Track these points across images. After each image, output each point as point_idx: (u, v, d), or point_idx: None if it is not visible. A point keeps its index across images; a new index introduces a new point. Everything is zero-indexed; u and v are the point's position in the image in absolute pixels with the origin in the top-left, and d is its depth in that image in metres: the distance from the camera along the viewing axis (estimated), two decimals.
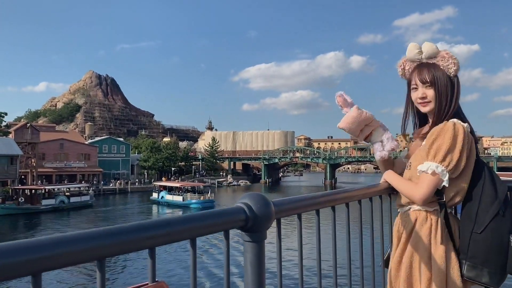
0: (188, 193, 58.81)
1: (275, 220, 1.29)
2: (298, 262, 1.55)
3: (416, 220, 1.98)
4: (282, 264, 1.46)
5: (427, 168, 1.87)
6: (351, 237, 1.82)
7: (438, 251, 1.88)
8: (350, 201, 1.82)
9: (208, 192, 60.99)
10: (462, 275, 1.86)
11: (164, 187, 64.12)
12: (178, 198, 58.18)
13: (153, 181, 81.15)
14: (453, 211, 2.04)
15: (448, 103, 1.99)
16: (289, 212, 1.41)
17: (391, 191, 2.11)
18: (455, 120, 1.94)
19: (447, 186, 1.87)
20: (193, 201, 56.23)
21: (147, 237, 0.91)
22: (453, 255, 1.88)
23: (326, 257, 1.68)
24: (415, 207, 1.99)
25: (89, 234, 0.82)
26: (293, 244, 1.52)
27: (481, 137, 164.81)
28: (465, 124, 1.96)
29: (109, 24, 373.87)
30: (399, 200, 2.09)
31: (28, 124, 71.48)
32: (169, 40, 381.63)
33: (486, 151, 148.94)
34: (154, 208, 57.86)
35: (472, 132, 1.98)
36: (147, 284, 0.98)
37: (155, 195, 63.93)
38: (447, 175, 1.85)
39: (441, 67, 2.02)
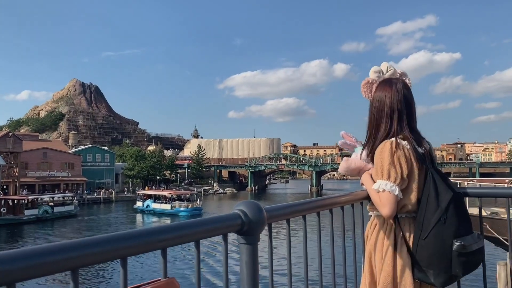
0: (177, 201, 59.37)
1: (267, 224, 1.48)
2: (287, 262, 1.74)
3: (376, 224, 2.25)
4: (273, 264, 1.63)
5: (378, 186, 2.10)
6: (335, 241, 2.00)
7: (389, 253, 2.12)
8: (333, 207, 2.03)
9: (197, 200, 61.52)
10: (413, 276, 2.10)
11: (149, 196, 64.05)
12: (166, 207, 58.47)
13: (137, 190, 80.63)
14: (411, 217, 2.20)
15: (373, 124, 2.29)
16: (279, 217, 1.60)
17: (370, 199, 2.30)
18: (392, 139, 2.16)
19: (401, 197, 2.11)
20: (182, 209, 56.76)
21: (160, 240, 1.10)
22: (405, 258, 2.10)
23: (312, 256, 1.86)
24: (376, 212, 2.25)
25: (116, 235, 0.96)
26: (283, 247, 1.71)
27: (464, 143, 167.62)
28: (404, 142, 2.16)
29: (94, 31, 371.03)
30: (369, 205, 2.33)
31: (11, 133, 70.47)
32: (154, 47, 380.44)
33: (468, 157, 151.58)
34: (139, 217, 57.46)
35: (415, 147, 2.17)
36: (160, 279, 1.16)
37: (139, 203, 63.70)
38: (397, 189, 2.07)
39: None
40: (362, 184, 2.31)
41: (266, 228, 1.48)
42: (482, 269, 2.43)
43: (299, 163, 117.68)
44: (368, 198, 2.26)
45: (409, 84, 2.37)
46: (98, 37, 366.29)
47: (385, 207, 2.07)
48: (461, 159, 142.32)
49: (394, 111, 2.23)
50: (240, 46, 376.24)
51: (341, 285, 2.12)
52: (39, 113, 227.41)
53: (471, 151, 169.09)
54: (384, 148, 2.14)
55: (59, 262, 0.87)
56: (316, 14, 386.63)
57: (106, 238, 0.97)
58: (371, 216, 2.32)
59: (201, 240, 1.25)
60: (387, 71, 2.38)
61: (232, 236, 1.38)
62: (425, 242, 2.04)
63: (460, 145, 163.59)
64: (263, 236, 1.42)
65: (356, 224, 2.30)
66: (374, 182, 2.16)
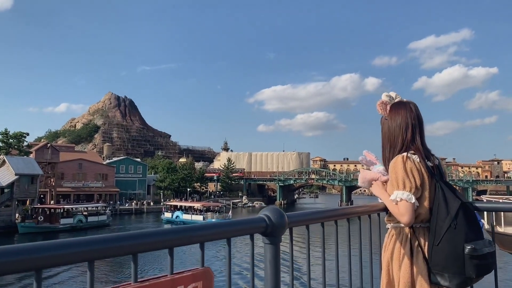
0: (209, 213, 62.08)
1: (288, 228, 1.69)
2: (306, 263, 1.97)
3: (393, 235, 2.45)
4: (294, 264, 1.89)
5: (395, 196, 2.31)
6: (351, 248, 2.20)
7: (406, 261, 2.32)
8: (350, 217, 2.22)
9: (228, 211, 64.69)
10: (430, 281, 2.28)
11: (177, 207, 66.24)
12: (198, 218, 61.14)
13: (163, 201, 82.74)
14: (426, 227, 2.39)
15: (389, 140, 2.54)
16: (299, 223, 1.83)
17: (387, 210, 2.48)
18: (403, 154, 2.41)
19: (417, 205, 2.32)
20: (214, 220, 58.01)
21: (199, 235, 1.33)
22: (422, 264, 2.29)
23: (330, 259, 2.06)
24: (392, 224, 2.48)
25: (125, 235, 1.14)
26: (304, 250, 1.96)
27: (501, 160, 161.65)
28: (414, 156, 2.40)
29: (132, 47, 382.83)
30: (386, 217, 2.54)
31: (49, 144, 73.20)
32: (188, 62, 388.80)
33: (506, 175, 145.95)
34: (169, 227, 58.69)
35: (424, 160, 2.40)
36: (198, 268, 1.35)
37: (167, 214, 65.72)
38: (414, 197, 2.29)
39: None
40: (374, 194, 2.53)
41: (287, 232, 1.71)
42: (494, 276, 2.53)
43: (328, 177, 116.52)
44: (384, 210, 2.45)
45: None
46: (135, 52, 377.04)
47: (404, 216, 2.28)
48: (497, 176, 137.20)
49: (409, 127, 2.49)
50: (272, 61, 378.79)
51: None
52: (75, 125, 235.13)
53: (508, 169, 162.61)
54: (397, 162, 2.39)
55: (81, 254, 1.03)
56: (347, 28, 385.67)
57: (156, 232, 1.21)
58: (388, 228, 2.51)
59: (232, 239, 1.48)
60: (396, 98, 2.66)
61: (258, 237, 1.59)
62: (438, 248, 2.24)
63: (497, 162, 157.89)
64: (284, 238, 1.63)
65: (373, 234, 2.48)
66: (390, 194, 2.37)
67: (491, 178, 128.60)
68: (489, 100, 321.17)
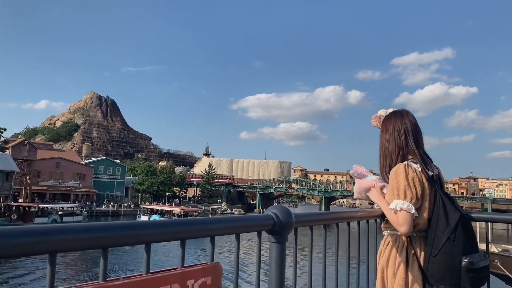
0: (188, 218, 60.58)
1: (294, 229, 1.67)
2: (308, 261, 1.96)
3: (389, 242, 2.44)
4: (298, 264, 1.89)
5: (395, 206, 2.29)
6: (350, 251, 2.21)
7: (401, 269, 2.31)
8: (350, 220, 2.24)
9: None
10: None
11: (155, 211, 65.60)
12: None
13: (141, 204, 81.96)
14: (422, 236, 2.40)
15: (385, 151, 2.54)
16: (304, 223, 1.83)
17: (385, 216, 2.48)
18: (405, 162, 2.40)
19: (417, 215, 2.30)
20: None
21: (209, 229, 1.33)
22: (417, 273, 2.29)
23: (331, 260, 2.06)
24: (388, 231, 2.46)
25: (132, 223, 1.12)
26: (307, 250, 1.96)
27: (477, 178, 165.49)
28: (416, 165, 2.39)
29: (117, 47, 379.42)
30: (383, 224, 2.54)
31: (26, 141, 71.68)
32: (173, 65, 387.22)
33: (481, 192, 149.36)
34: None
35: (425, 169, 2.39)
36: (207, 263, 1.35)
37: (144, 218, 64.74)
38: (413, 208, 2.27)
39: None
40: (370, 203, 2.53)
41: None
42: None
43: (308, 187, 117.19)
44: (382, 216, 2.45)
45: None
46: (121, 53, 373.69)
47: (403, 226, 2.26)
48: (473, 193, 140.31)
49: (401, 132, 2.51)
50: (258, 69, 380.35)
51: None
52: (55, 123, 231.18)
53: (484, 187, 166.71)
54: (399, 170, 2.36)
55: (96, 240, 1.02)
56: (333, 40, 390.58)
57: (169, 222, 1.21)
58: (384, 235, 2.51)
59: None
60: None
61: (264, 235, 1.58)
62: (436, 259, 2.23)
63: (473, 180, 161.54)
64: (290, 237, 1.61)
65: (371, 239, 2.50)
66: (388, 202, 2.36)
67: (467, 195, 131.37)
68: (467, 118, 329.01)
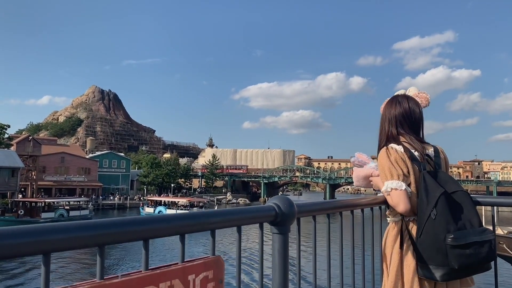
0: (194, 208, 62.25)
1: (296, 219, 1.66)
2: (312, 253, 1.94)
3: (389, 228, 2.45)
4: (302, 253, 1.86)
5: (386, 187, 2.32)
6: (355, 239, 2.19)
7: (395, 254, 2.31)
8: (354, 208, 2.23)
9: (213, 207, 64.73)
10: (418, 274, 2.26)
11: (160, 202, 66.08)
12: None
13: (145, 196, 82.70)
14: (415, 219, 2.37)
15: (379, 136, 2.61)
16: (307, 213, 1.81)
17: (387, 203, 2.48)
18: (387, 145, 2.45)
19: (410, 191, 2.31)
20: None
21: (210, 222, 1.30)
22: (410, 257, 2.27)
23: (335, 251, 2.05)
24: (390, 218, 2.46)
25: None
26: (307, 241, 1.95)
27: (481, 161, 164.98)
28: (398, 147, 2.41)
29: (117, 40, 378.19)
30: (387, 211, 2.52)
31: (30, 137, 71.93)
32: (174, 56, 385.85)
33: (486, 175, 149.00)
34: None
35: (409, 150, 2.40)
36: (209, 256, 1.33)
37: (148, 210, 65.43)
38: (404, 184, 2.29)
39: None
40: (374, 190, 2.52)
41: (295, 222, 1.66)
42: (494, 274, 2.53)
43: (313, 175, 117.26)
44: (386, 202, 2.43)
45: (424, 100, 2.65)
46: (121, 46, 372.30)
47: (399, 204, 2.28)
48: (478, 177, 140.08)
49: (392, 120, 2.55)
50: (259, 58, 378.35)
51: (360, 280, 2.30)
52: (58, 118, 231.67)
53: (488, 169, 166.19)
54: (381, 155, 2.44)
55: (91, 238, 0.99)
56: (334, 27, 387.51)
57: (168, 217, 1.18)
58: (388, 222, 2.50)
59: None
60: (408, 93, 2.70)
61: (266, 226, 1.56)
62: (421, 239, 2.22)
63: (477, 163, 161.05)
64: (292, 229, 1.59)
65: (375, 226, 2.49)
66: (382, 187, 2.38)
67: (472, 178, 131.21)
68: (470, 102, 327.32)
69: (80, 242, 0.97)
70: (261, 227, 1.55)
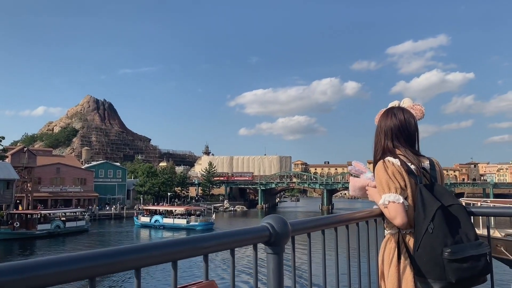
0: (192, 216, 62.73)
1: (291, 237, 1.64)
2: (308, 270, 1.92)
3: (386, 241, 2.45)
4: (297, 273, 1.83)
5: (384, 200, 2.32)
6: (350, 255, 2.17)
7: (393, 267, 2.31)
8: (349, 223, 2.22)
9: (212, 215, 66.48)
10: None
11: (155, 211, 66.35)
12: (181, 221, 61.77)
13: (138, 205, 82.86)
14: (412, 231, 2.37)
15: (374, 147, 2.61)
16: (301, 231, 1.78)
17: (384, 216, 2.47)
18: (384, 158, 2.45)
19: (407, 204, 2.31)
20: (197, 223, 60.67)
21: (203, 247, 1.28)
22: (408, 270, 2.27)
23: (330, 269, 2.02)
24: (387, 231, 2.47)
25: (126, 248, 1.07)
26: (305, 258, 1.92)
27: (477, 163, 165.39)
28: (395, 160, 2.41)
29: (113, 49, 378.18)
30: (384, 223, 2.52)
31: (25, 148, 71.54)
32: (169, 64, 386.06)
33: (482, 178, 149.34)
34: (145, 231, 59.20)
35: (405, 163, 2.40)
36: (202, 281, 1.34)
37: (144, 219, 65.36)
38: (401, 198, 2.29)
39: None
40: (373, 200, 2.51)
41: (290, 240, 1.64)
42: (490, 281, 2.52)
43: (310, 181, 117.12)
44: (382, 215, 2.42)
45: (418, 113, 2.63)
46: (116, 55, 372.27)
47: (397, 218, 2.28)
48: (474, 179, 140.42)
49: (388, 133, 2.55)
50: (255, 64, 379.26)
51: None
52: (53, 128, 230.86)
53: (484, 171, 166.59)
54: (378, 167, 2.43)
55: (80, 270, 0.96)
56: (327, 32, 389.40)
57: (160, 244, 1.16)
58: (385, 235, 2.50)
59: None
60: (402, 104, 2.69)
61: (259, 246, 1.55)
62: (418, 253, 2.22)
63: (473, 165, 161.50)
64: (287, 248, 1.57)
65: (371, 240, 2.46)
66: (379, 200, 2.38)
67: (468, 181, 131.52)
68: (465, 104, 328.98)
69: (70, 275, 0.94)
70: (255, 248, 1.53)
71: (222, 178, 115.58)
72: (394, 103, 2.73)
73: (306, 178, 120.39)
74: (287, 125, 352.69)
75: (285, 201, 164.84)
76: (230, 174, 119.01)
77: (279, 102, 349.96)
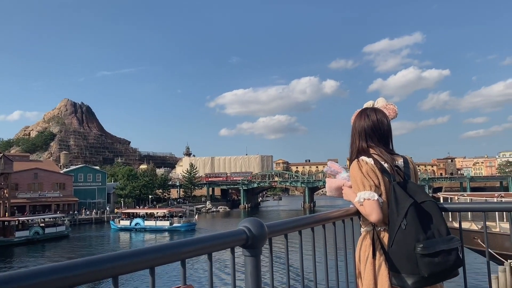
0: (175, 218, 63.04)
1: (268, 239, 1.67)
2: (286, 274, 1.95)
3: (362, 238, 2.53)
4: (274, 275, 1.86)
5: (359, 198, 2.40)
6: (328, 253, 2.22)
7: (368, 264, 2.38)
8: (326, 223, 2.26)
9: (194, 216, 67.09)
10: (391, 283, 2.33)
11: (135, 214, 66.14)
12: (164, 223, 61.84)
13: (125, 208, 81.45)
14: (387, 228, 2.45)
15: (350, 148, 2.70)
16: (278, 232, 1.82)
17: (360, 214, 2.53)
18: (358, 157, 2.54)
19: (382, 201, 2.38)
20: (180, 224, 61.26)
21: (182, 252, 1.30)
22: (383, 267, 2.35)
23: (308, 269, 2.07)
24: (363, 228, 2.56)
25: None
26: (283, 259, 1.95)
27: (454, 158, 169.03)
28: (369, 159, 2.49)
29: (91, 51, 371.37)
30: (360, 221, 2.59)
31: (1, 154, 69.89)
32: (149, 65, 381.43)
33: (459, 172, 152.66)
34: (125, 235, 58.79)
35: (379, 162, 2.48)
36: (180, 286, 1.33)
37: (124, 222, 64.82)
38: (376, 194, 2.37)
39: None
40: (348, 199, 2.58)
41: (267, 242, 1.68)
42: (463, 273, 2.59)
43: (291, 180, 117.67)
44: (357, 214, 2.49)
45: (392, 112, 2.72)
46: (96, 57, 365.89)
47: (372, 214, 2.36)
48: (452, 173, 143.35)
49: (362, 134, 2.64)
50: (235, 65, 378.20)
51: None
52: (29, 133, 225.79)
53: (461, 166, 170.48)
54: (352, 167, 2.52)
55: (57, 281, 0.96)
56: (305, 31, 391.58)
57: (136, 251, 1.17)
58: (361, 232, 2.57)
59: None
60: (376, 105, 2.79)
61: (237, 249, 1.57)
62: (392, 249, 2.31)
63: (450, 160, 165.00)
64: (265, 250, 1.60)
65: (348, 238, 2.51)
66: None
67: (446, 175, 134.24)
68: (440, 100, 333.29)
69: (47, 286, 0.93)
70: (233, 252, 1.55)
71: (198, 180, 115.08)
72: (369, 104, 2.81)
73: (288, 177, 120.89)
74: (268, 124, 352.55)
75: (267, 200, 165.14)
76: (204, 175, 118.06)
77: (259, 102, 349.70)
